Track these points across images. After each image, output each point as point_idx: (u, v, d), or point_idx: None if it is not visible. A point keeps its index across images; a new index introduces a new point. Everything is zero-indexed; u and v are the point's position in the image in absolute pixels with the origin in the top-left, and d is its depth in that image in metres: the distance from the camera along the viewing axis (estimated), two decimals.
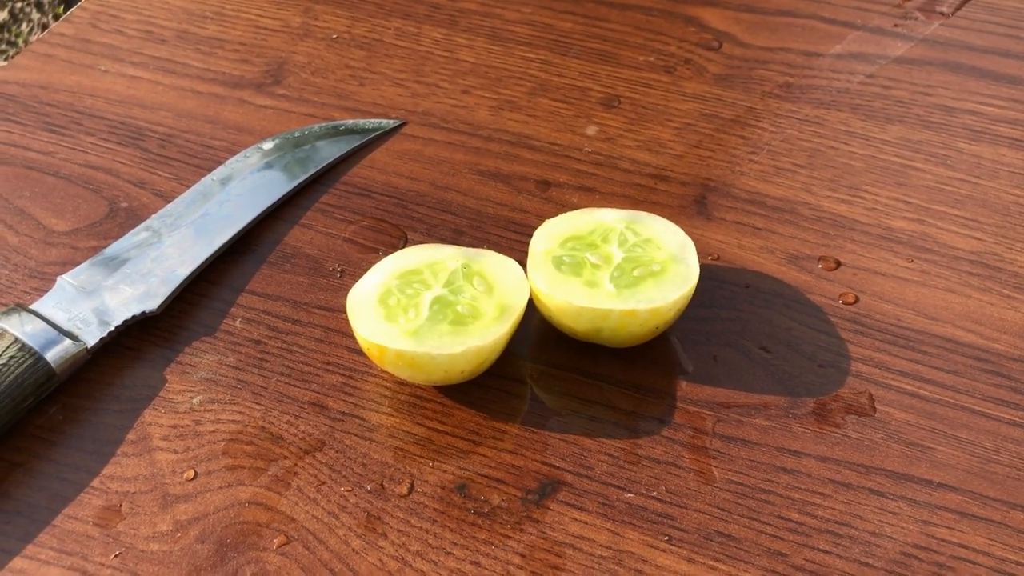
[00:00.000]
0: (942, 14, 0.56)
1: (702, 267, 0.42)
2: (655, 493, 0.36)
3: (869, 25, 0.56)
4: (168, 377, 0.40)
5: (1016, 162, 0.48)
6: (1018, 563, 0.34)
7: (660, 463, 0.37)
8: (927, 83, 0.52)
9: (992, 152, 0.48)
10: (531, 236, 0.41)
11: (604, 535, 0.35)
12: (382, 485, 0.36)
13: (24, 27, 1.18)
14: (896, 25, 0.56)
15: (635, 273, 0.38)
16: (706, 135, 0.50)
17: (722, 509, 0.35)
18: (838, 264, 0.43)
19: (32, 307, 0.40)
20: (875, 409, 0.38)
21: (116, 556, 0.34)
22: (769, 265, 0.43)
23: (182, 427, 0.38)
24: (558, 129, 0.50)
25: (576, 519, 0.35)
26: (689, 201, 0.46)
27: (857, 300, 0.42)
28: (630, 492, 0.36)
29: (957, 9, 0.56)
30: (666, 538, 0.35)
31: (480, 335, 0.36)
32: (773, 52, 0.54)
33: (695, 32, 0.55)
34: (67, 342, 0.39)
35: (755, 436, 0.37)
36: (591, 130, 0.50)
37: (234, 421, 0.38)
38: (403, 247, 0.44)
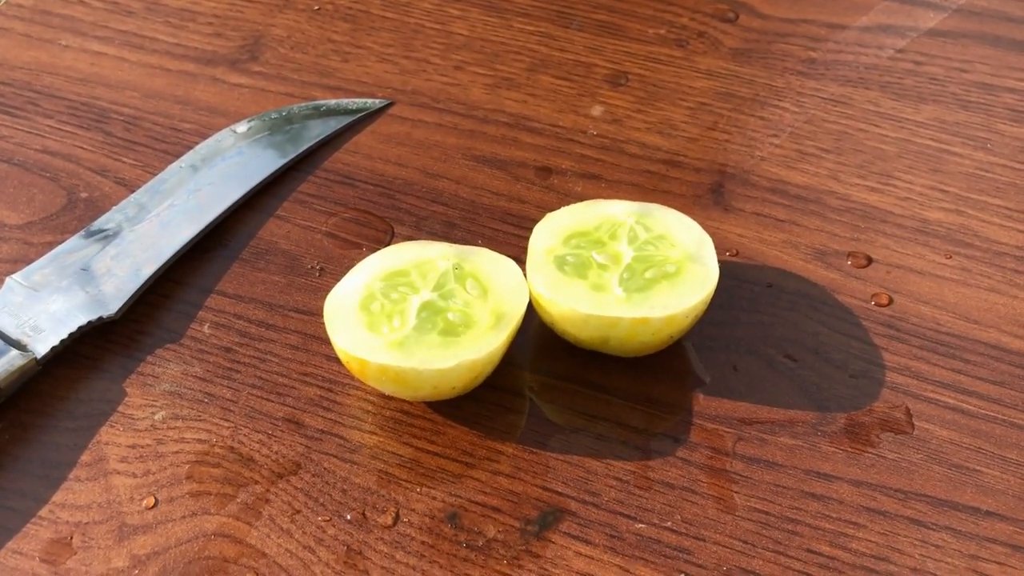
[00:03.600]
0: None
1: (719, 265, 0.38)
2: (669, 523, 0.32)
3: None
4: (128, 390, 0.36)
5: None
6: None
7: (674, 488, 0.33)
8: (963, 58, 0.48)
9: None
10: (530, 229, 0.37)
11: (612, 572, 0.31)
12: (364, 514, 0.32)
13: None
14: None
15: (647, 275, 0.34)
16: (722, 116, 0.45)
17: (744, 541, 0.32)
18: (869, 260, 0.39)
19: None
20: (913, 426, 0.34)
21: None
22: (793, 262, 0.39)
23: (142, 447, 0.34)
24: (560, 110, 0.46)
25: (581, 553, 0.31)
26: (704, 190, 0.42)
27: (891, 301, 0.38)
28: (641, 522, 0.32)
29: None
30: (682, 575, 0.31)
31: (473, 347, 0.32)
32: (795, 24, 0.50)
33: (709, 2, 0.51)
34: (14, 352, 0.35)
35: (780, 457, 0.34)
36: (596, 111, 0.46)
37: (200, 440, 0.34)
38: (389, 242, 0.40)
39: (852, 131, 0.44)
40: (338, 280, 0.35)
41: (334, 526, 0.32)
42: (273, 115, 0.45)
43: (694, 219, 0.38)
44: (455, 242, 0.40)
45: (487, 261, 0.35)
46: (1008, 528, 0.32)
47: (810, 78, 0.47)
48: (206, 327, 0.38)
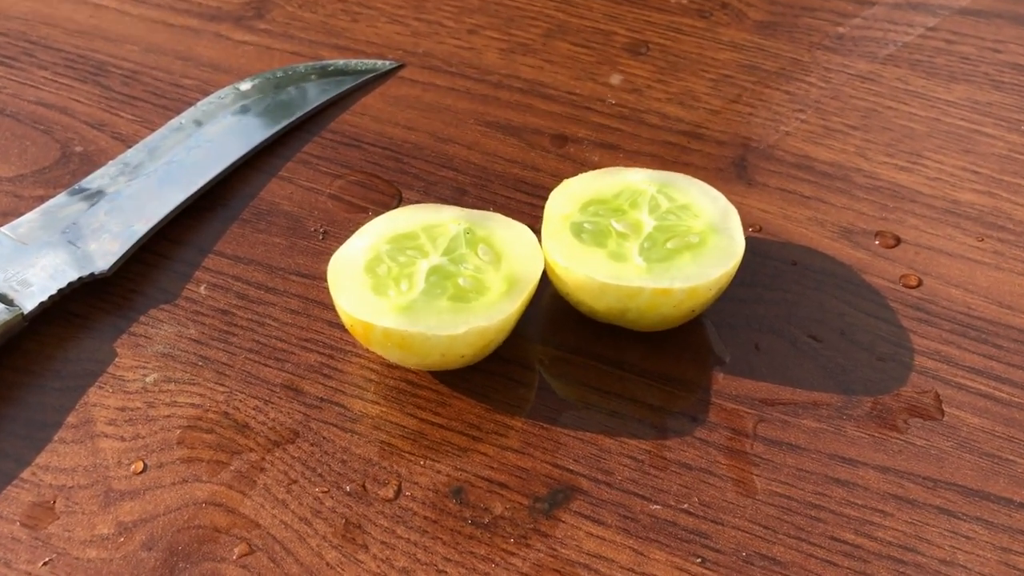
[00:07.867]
0: None
1: None
2: (686, 505, 0.30)
3: None
4: (119, 350, 0.34)
5: None
6: None
7: (692, 470, 0.31)
8: (996, 38, 0.46)
9: None
10: (544, 198, 0.35)
11: (625, 554, 0.29)
12: (364, 487, 0.31)
13: None
14: None
15: (669, 245, 0.32)
16: (746, 89, 0.43)
17: (764, 527, 0.30)
18: (898, 241, 0.38)
19: None
20: (943, 412, 0.33)
21: (45, 564, 0.29)
22: (819, 240, 0.38)
23: (132, 410, 0.32)
24: (577, 77, 0.44)
25: (592, 534, 0.30)
26: (727, 163, 0.40)
27: (920, 283, 0.36)
28: (656, 503, 0.30)
29: None
30: (698, 560, 0.29)
31: (485, 313, 0.31)
32: None
33: None
34: (0, 307, 0.33)
35: (803, 440, 0.32)
36: (615, 79, 0.44)
37: (193, 405, 0.32)
38: (396, 207, 0.39)
39: (880, 108, 0.43)
40: (342, 244, 0.34)
41: (332, 498, 0.30)
42: (279, 73, 0.43)
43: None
44: (466, 208, 0.38)
45: (500, 226, 0.34)
46: None
47: (837, 53, 0.45)
48: (202, 288, 0.36)
